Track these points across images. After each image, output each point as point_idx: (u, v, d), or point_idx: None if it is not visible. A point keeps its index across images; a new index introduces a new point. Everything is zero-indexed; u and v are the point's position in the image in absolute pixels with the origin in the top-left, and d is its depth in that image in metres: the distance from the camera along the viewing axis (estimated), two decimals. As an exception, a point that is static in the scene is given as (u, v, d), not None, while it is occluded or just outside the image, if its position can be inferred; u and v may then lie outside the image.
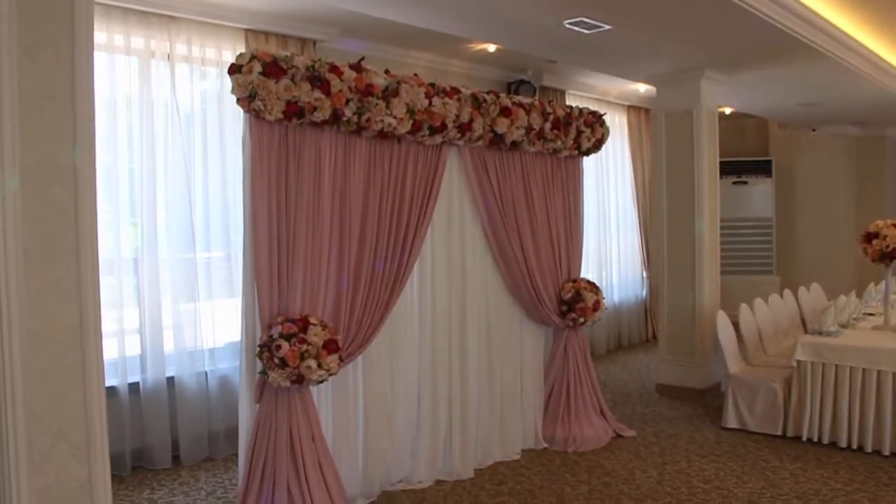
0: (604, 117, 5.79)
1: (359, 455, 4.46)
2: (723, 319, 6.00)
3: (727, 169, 10.59)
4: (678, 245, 6.91)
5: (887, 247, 5.63)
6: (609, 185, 9.16)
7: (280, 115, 3.69)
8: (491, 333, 5.17)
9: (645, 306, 9.67)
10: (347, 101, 3.89)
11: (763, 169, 11.08)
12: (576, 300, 5.43)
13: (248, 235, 3.81)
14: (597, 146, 5.75)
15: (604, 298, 5.63)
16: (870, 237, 5.77)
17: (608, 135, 5.82)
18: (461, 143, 4.76)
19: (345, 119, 3.93)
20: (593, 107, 5.94)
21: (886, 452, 5.16)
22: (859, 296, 7.19)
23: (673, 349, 6.93)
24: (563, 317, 5.48)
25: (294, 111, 3.70)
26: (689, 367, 6.81)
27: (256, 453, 3.80)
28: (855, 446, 5.27)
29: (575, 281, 5.55)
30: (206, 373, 5.36)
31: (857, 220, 10.83)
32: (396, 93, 4.13)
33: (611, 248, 9.15)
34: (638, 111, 9.61)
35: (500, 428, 5.25)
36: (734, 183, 10.98)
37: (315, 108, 3.77)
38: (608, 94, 8.96)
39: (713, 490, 4.63)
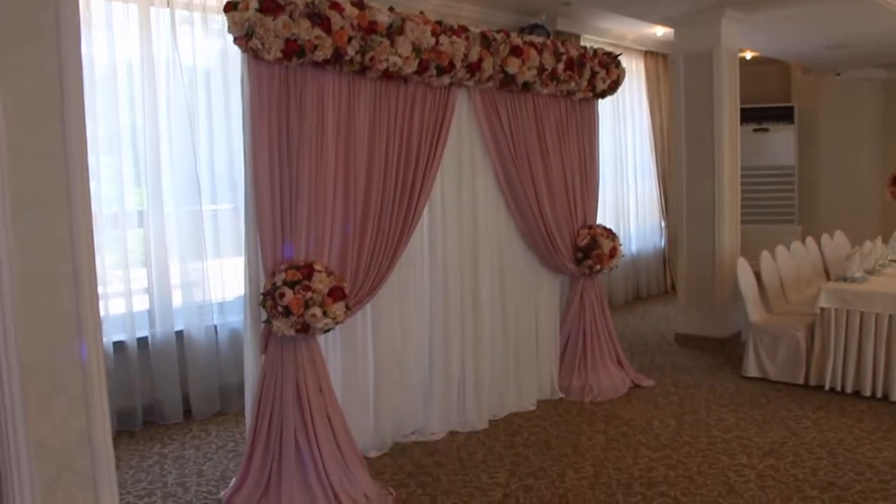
0: (619, 58, 5.57)
1: (370, 406, 4.38)
2: (744, 267, 5.83)
3: (748, 116, 10.30)
4: (697, 193, 6.71)
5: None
6: (626, 133, 8.94)
7: (279, 55, 3.52)
8: (505, 282, 5.04)
9: (664, 256, 9.49)
10: (350, 39, 3.71)
11: (785, 116, 10.77)
12: (591, 247, 5.27)
13: (248, 181, 3.67)
14: (612, 88, 5.55)
15: (620, 245, 5.47)
16: (897, 180, 5.56)
17: (624, 76, 5.61)
18: (470, 84, 4.58)
19: (347, 58, 3.76)
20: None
21: (914, 399, 5.03)
22: (885, 242, 6.99)
23: (692, 298, 6.78)
24: (579, 264, 5.33)
25: (293, 50, 3.54)
26: (709, 316, 6.66)
27: (263, 405, 3.71)
28: (880, 395, 5.14)
29: (591, 227, 5.40)
30: (215, 327, 5.28)
31: (883, 167, 10.51)
32: (401, 31, 3.95)
33: (628, 198, 8.95)
34: (656, 57, 9.32)
35: (516, 378, 5.15)
36: (755, 130, 10.69)
37: (316, 47, 3.60)
38: (624, 38, 8.67)
39: (733, 440, 4.52)
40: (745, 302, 5.74)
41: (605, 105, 8.38)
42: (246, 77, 3.61)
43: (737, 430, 4.68)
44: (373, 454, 4.35)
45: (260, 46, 3.47)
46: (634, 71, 9.03)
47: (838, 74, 10.89)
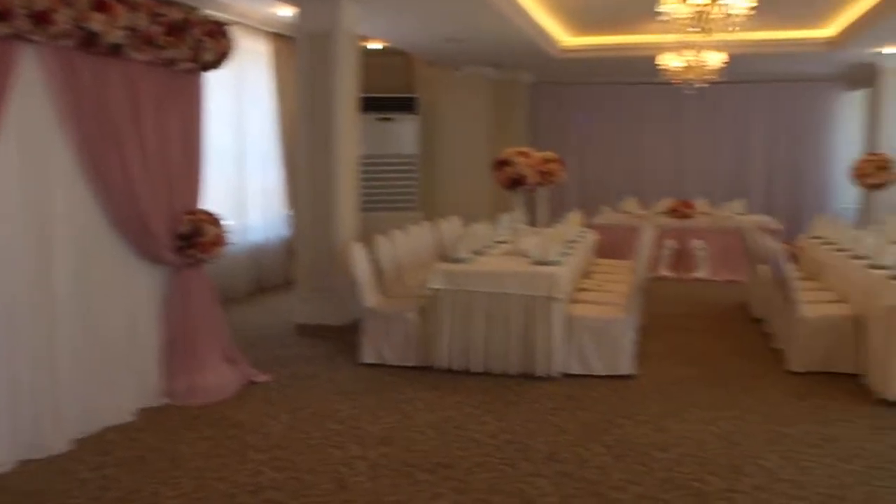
0: (228, 28, 5.10)
1: None
2: (358, 252, 5.73)
3: (373, 105, 10.44)
4: (317, 179, 6.55)
5: (516, 173, 5.75)
6: (250, 119, 8.50)
7: None
8: (89, 275, 4.30)
9: (289, 246, 9.22)
10: None
11: (408, 106, 11.16)
12: (194, 234, 4.74)
13: None
14: (220, 60, 5.06)
15: (227, 232, 5.01)
16: (501, 164, 5.86)
17: (232, 49, 5.14)
18: (40, 39, 3.78)
19: None
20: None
21: (512, 372, 5.30)
22: (493, 225, 7.43)
23: (311, 287, 6.60)
24: (181, 253, 4.77)
25: None
26: (329, 304, 6.53)
27: None
28: (486, 370, 5.35)
29: (193, 213, 4.85)
30: None
31: (494, 156, 11.37)
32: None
33: (251, 186, 8.54)
34: (284, 40, 8.99)
35: (109, 386, 4.44)
36: (379, 119, 10.91)
37: None
38: (247, 16, 8.20)
39: (347, 431, 4.34)
40: (359, 287, 5.65)
41: (226, 88, 7.89)
42: None
43: (351, 420, 4.52)
44: None
45: None
46: (262, 53, 8.64)
47: (458, 70, 11.57)
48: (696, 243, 9.84)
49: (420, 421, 4.49)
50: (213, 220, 4.89)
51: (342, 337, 6.37)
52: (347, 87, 6.59)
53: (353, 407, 4.73)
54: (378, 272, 6.01)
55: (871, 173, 7.18)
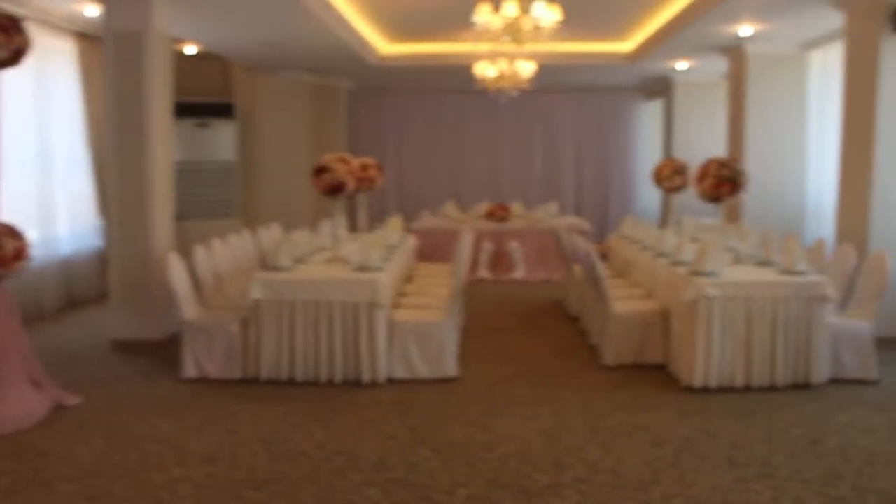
0: (22, 23, 4.74)
1: None
2: (174, 263, 5.51)
3: (188, 110, 10.13)
4: (129, 187, 6.23)
5: (335, 180, 5.76)
6: (56, 123, 7.92)
7: None
8: None
9: (102, 257, 8.70)
10: None
11: (226, 111, 10.83)
12: (-9, 249, 4.38)
13: None
14: (15, 58, 4.69)
15: (29, 245, 4.66)
16: (320, 170, 5.84)
17: (30, 46, 4.79)
18: None
19: None
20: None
21: (338, 380, 5.31)
22: (314, 232, 7.39)
23: (126, 300, 6.28)
24: (-29, 271, 4.39)
25: None
26: (145, 317, 6.25)
27: None
28: (312, 379, 5.33)
29: (-14, 226, 4.49)
30: None
31: (314, 161, 11.30)
32: None
33: (59, 195, 7.98)
34: (91, 39, 8.46)
35: None
36: (195, 125, 10.53)
37: None
38: (49, 13, 7.62)
39: (168, 451, 4.15)
40: (177, 299, 5.44)
41: (27, 89, 7.33)
42: None
43: (172, 439, 4.34)
44: None
45: None
46: (67, 53, 8.09)
47: (277, 75, 11.38)
48: (513, 245, 10.26)
49: (245, 436, 4.39)
50: (11, 232, 4.53)
51: (161, 352, 6.12)
52: (160, 91, 6.32)
53: (174, 425, 4.55)
54: (197, 283, 5.82)
55: (669, 177, 7.82)
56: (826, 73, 8.53)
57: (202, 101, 10.62)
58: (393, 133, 13.71)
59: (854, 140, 6.60)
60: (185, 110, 9.86)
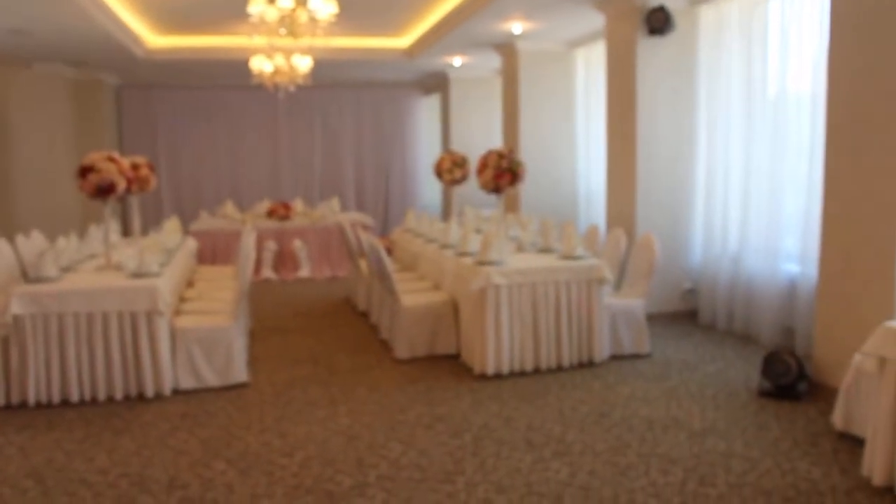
0: None
1: None
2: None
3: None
4: None
5: (104, 180, 5.33)
6: None
7: None
8: None
9: None
10: None
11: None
12: None
13: None
14: None
15: None
16: (86, 171, 5.39)
17: None
18: None
19: None
20: None
21: (119, 396, 4.94)
22: (83, 238, 6.83)
23: None
24: None
25: None
26: None
27: None
28: (89, 398, 4.91)
29: None
30: None
31: (79, 162, 10.45)
32: None
33: None
34: None
35: None
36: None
37: None
38: None
39: (-84, 494, 3.64)
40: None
41: None
42: None
43: (-80, 481, 3.81)
44: None
45: None
46: None
47: (30, 67, 10.36)
48: (297, 243, 10.11)
49: (13, 471, 3.91)
50: None
51: None
52: None
53: (-80, 466, 4.00)
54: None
55: (450, 169, 8.03)
56: (591, 69, 9.19)
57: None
58: (166, 131, 13.03)
59: (617, 132, 7.17)
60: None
